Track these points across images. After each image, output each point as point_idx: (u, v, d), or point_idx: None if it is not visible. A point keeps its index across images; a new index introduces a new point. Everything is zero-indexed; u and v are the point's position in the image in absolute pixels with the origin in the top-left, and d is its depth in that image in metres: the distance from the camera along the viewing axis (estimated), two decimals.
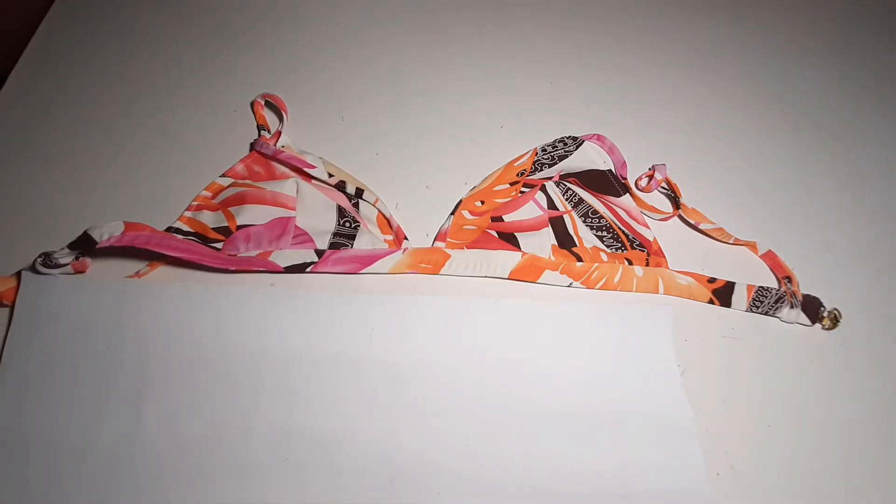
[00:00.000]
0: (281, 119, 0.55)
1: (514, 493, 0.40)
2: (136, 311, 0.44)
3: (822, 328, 0.48)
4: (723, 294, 0.48)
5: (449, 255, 0.47)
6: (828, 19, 0.72)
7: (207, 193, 0.50)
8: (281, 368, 0.43)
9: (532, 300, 0.47)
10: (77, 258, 0.44)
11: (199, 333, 0.43)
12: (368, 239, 0.49)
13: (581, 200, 0.53)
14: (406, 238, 0.49)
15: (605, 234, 0.51)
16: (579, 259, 0.49)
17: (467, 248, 0.49)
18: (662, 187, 0.55)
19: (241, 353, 0.43)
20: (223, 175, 0.52)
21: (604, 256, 0.50)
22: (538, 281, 0.48)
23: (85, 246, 0.43)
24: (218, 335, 0.43)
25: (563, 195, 0.53)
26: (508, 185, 0.52)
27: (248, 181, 0.51)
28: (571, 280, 0.48)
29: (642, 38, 0.68)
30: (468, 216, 0.51)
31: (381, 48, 0.64)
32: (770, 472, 0.42)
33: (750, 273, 0.51)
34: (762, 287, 0.48)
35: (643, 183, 0.55)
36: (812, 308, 0.48)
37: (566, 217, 0.52)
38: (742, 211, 0.54)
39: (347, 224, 0.49)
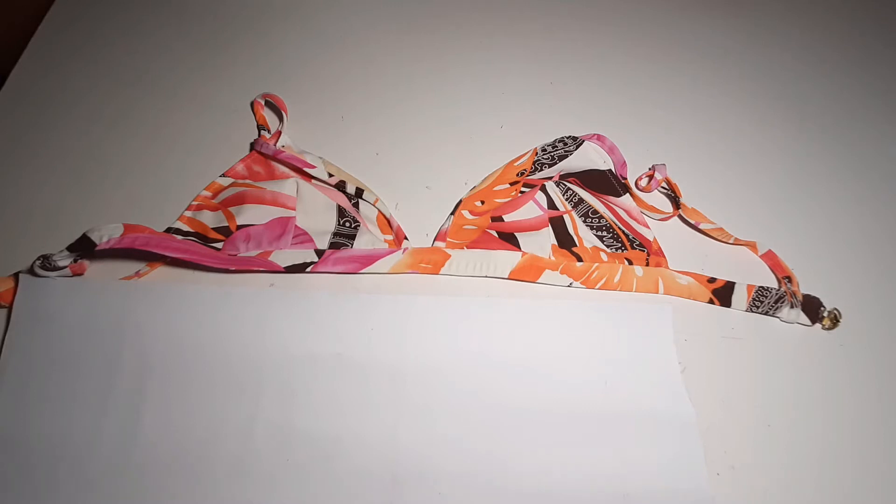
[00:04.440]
0: (281, 119, 0.55)
1: (515, 492, 0.40)
2: (136, 313, 0.44)
3: (822, 328, 0.48)
4: (723, 294, 0.48)
5: (449, 255, 0.47)
6: (829, 19, 0.72)
7: (207, 193, 0.50)
8: (281, 369, 0.43)
9: (532, 300, 0.47)
10: (75, 260, 0.44)
11: (199, 334, 0.43)
12: (368, 239, 0.49)
13: (581, 200, 0.53)
14: (406, 238, 0.49)
15: (605, 234, 0.51)
16: (579, 259, 0.49)
17: (467, 248, 0.49)
18: (662, 187, 0.55)
19: (241, 353, 0.43)
20: (223, 175, 0.52)
21: (604, 256, 0.50)
22: (538, 281, 0.48)
23: (84, 248, 0.43)
24: (218, 336, 0.44)
25: (563, 195, 0.53)
26: (508, 185, 0.52)
27: (248, 181, 0.51)
28: (571, 280, 0.48)
29: (642, 38, 0.68)
30: (468, 216, 0.51)
31: (381, 48, 0.64)
32: (770, 472, 0.42)
33: (750, 273, 0.51)
34: (762, 287, 0.48)
35: (643, 183, 0.55)
36: (812, 308, 0.48)
37: (566, 217, 0.52)
38: (742, 211, 0.54)
39: (347, 224, 0.49)
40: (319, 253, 0.47)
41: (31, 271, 0.44)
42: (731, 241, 0.52)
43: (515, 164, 0.53)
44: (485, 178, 0.53)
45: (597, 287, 0.48)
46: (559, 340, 0.46)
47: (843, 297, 0.48)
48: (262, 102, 0.57)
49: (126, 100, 0.57)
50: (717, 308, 0.49)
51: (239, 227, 0.48)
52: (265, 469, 0.40)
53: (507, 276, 0.48)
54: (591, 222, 0.52)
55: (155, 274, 0.47)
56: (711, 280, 0.49)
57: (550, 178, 0.53)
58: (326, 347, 0.44)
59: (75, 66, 0.59)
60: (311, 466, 0.40)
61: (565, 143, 0.54)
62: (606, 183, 0.53)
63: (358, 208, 0.51)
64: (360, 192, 0.51)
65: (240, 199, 0.49)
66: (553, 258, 0.49)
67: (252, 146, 0.54)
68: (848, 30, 0.71)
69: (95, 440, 0.40)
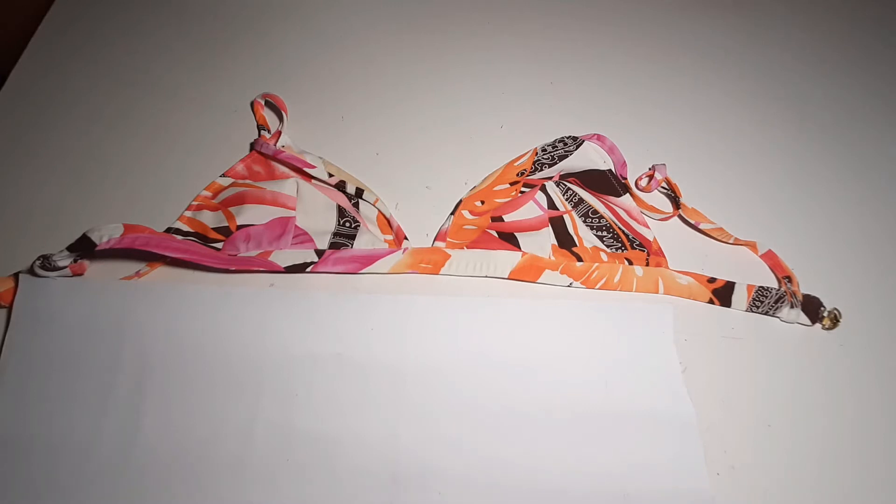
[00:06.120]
0: (281, 119, 0.55)
1: (515, 492, 0.40)
2: (136, 313, 0.44)
3: (822, 328, 0.48)
4: (723, 294, 0.48)
5: (449, 255, 0.47)
6: (829, 19, 0.72)
7: (207, 193, 0.50)
8: (281, 369, 0.43)
9: (532, 300, 0.47)
10: (75, 260, 0.44)
11: (199, 334, 0.43)
12: (368, 239, 0.49)
13: (581, 200, 0.53)
14: (406, 238, 0.49)
15: (605, 234, 0.51)
16: (579, 259, 0.49)
17: (467, 248, 0.49)
18: (662, 187, 0.55)
19: (241, 353, 0.43)
20: (223, 175, 0.52)
21: (604, 256, 0.50)
22: (538, 281, 0.48)
23: (84, 248, 0.43)
24: (218, 336, 0.44)
25: (563, 195, 0.53)
26: (508, 185, 0.52)
27: (248, 181, 0.51)
28: (571, 280, 0.48)
29: (642, 38, 0.68)
30: (468, 216, 0.51)
31: (381, 48, 0.64)
32: (770, 472, 0.42)
33: (750, 273, 0.51)
34: (762, 287, 0.48)
35: (643, 183, 0.55)
36: (812, 308, 0.48)
37: (566, 217, 0.52)
38: (742, 211, 0.54)
39: (347, 224, 0.49)
40: (319, 253, 0.47)
41: (31, 271, 0.44)
42: (731, 241, 0.52)
43: (515, 164, 0.53)
44: (485, 178, 0.53)
45: (597, 287, 0.48)
46: (559, 340, 0.46)
47: (843, 297, 0.48)
48: (262, 102, 0.57)
49: (126, 100, 0.57)
50: (717, 308, 0.49)
51: (239, 227, 0.48)
52: (265, 469, 0.40)
53: (507, 276, 0.48)
54: (591, 222, 0.52)
55: (155, 274, 0.47)
56: (711, 280, 0.49)
57: (550, 178, 0.53)
58: (326, 347, 0.44)
59: (75, 66, 0.59)
60: (311, 466, 0.40)
61: (565, 143, 0.54)
62: (606, 183, 0.53)
63: (358, 208, 0.51)
64: (360, 192, 0.51)
65: (240, 199, 0.49)
66: (553, 258, 0.49)
67: (252, 146, 0.54)
68: (848, 30, 0.71)
69: (95, 440, 0.40)
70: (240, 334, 0.44)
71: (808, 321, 0.48)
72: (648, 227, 0.52)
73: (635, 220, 0.52)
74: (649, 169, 0.55)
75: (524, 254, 0.48)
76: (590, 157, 0.54)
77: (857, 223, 0.55)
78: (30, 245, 0.46)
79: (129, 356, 0.42)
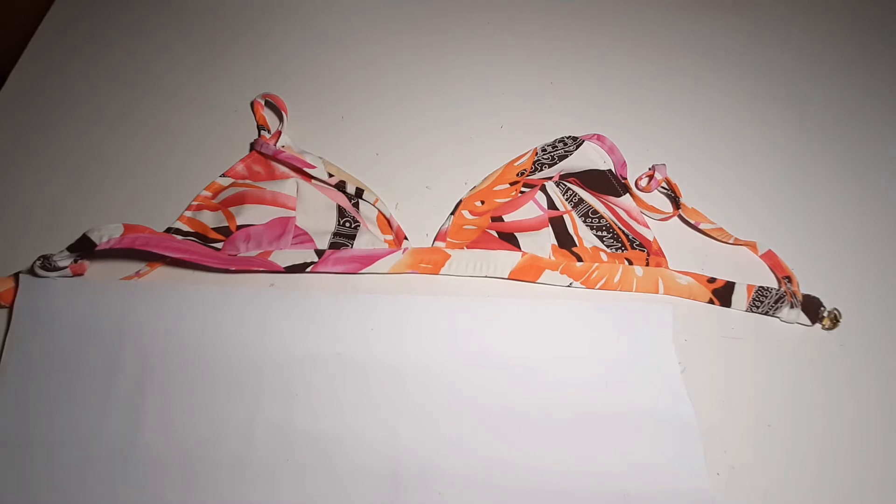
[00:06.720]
0: (281, 119, 0.55)
1: (515, 492, 0.40)
2: (136, 313, 0.44)
3: (822, 328, 0.48)
4: (723, 294, 0.48)
5: (449, 255, 0.47)
6: (829, 19, 0.72)
7: (207, 193, 0.50)
8: (281, 369, 0.43)
9: (532, 300, 0.47)
10: (76, 261, 0.44)
11: (199, 334, 0.43)
12: (368, 239, 0.49)
13: (581, 200, 0.53)
14: (406, 238, 0.49)
15: (605, 234, 0.51)
16: (579, 259, 0.49)
17: (467, 248, 0.49)
18: (662, 187, 0.55)
19: (241, 353, 0.43)
20: (223, 175, 0.52)
21: (604, 256, 0.50)
22: (538, 281, 0.48)
23: (84, 248, 0.43)
24: (218, 336, 0.44)
25: (563, 195, 0.53)
26: (508, 185, 0.52)
27: (248, 181, 0.51)
28: (571, 280, 0.48)
29: (642, 38, 0.68)
30: (468, 216, 0.51)
31: (381, 48, 0.64)
32: (770, 472, 0.42)
33: (750, 273, 0.51)
34: (762, 287, 0.48)
35: (643, 183, 0.55)
36: (812, 308, 0.48)
37: (566, 217, 0.52)
38: (742, 211, 0.54)
39: (347, 224, 0.49)
40: (319, 253, 0.47)
41: (31, 271, 0.44)
42: (731, 241, 0.52)
43: (515, 164, 0.53)
44: (485, 178, 0.53)
45: (597, 287, 0.48)
46: (559, 340, 0.46)
47: (843, 297, 0.48)
48: (262, 102, 0.57)
49: (126, 100, 0.57)
50: (717, 308, 0.49)
51: (239, 227, 0.48)
52: (265, 469, 0.40)
53: (507, 276, 0.48)
54: (591, 222, 0.52)
55: (155, 274, 0.47)
56: (711, 280, 0.49)
57: (550, 178, 0.53)
58: (326, 347, 0.44)
59: (75, 66, 0.59)
60: (311, 466, 0.40)
61: (565, 143, 0.54)
62: (606, 183, 0.53)
63: (358, 208, 0.51)
64: (360, 192, 0.51)
65: (240, 199, 0.49)
66: (553, 258, 0.49)
67: (252, 146, 0.54)
68: (848, 30, 0.71)
69: (95, 440, 0.40)
70: (240, 334, 0.44)
71: (808, 321, 0.48)
72: (648, 227, 0.52)
73: (635, 220, 0.52)
74: (649, 169, 0.55)
75: (524, 254, 0.48)
76: (590, 157, 0.54)
77: (857, 223, 0.55)
78: (30, 245, 0.46)
79: (129, 356, 0.42)
